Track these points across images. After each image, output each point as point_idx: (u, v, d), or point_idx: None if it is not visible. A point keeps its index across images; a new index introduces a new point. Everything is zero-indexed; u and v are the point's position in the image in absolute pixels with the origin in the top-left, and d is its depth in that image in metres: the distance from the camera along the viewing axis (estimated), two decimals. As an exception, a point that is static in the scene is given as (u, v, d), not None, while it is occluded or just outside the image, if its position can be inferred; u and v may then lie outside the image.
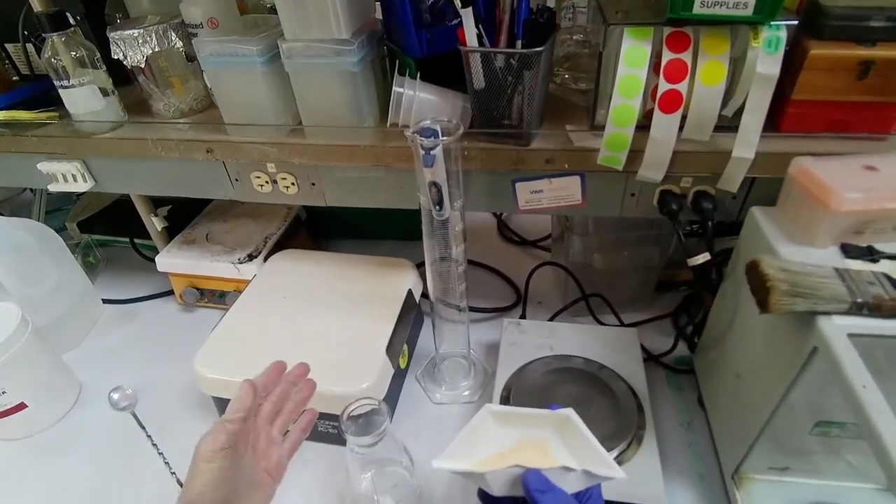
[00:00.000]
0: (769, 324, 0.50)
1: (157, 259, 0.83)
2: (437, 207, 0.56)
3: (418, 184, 0.55)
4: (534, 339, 0.70)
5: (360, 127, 0.62)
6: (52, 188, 0.73)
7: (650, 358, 0.72)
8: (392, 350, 0.64)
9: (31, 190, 1.13)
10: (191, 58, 0.69)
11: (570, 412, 0.45)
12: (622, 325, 0.77)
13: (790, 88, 0.54)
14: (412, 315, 0.73)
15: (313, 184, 0.67)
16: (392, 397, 0.66)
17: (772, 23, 0.49)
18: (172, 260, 0.82)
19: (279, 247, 0.84)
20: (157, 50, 0.65)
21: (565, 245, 0.78)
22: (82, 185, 0.72)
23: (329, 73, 0.59)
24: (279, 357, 0.63)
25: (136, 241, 0.96)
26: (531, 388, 0.62)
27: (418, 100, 0.59)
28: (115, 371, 0.78)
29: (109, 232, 1.00)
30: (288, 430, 0.52)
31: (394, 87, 0.58)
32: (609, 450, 0.55)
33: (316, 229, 0.98)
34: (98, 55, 0.66)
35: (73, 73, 0.64)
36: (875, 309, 0.42)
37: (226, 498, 0.43)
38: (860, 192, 0.47)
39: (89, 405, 0.74)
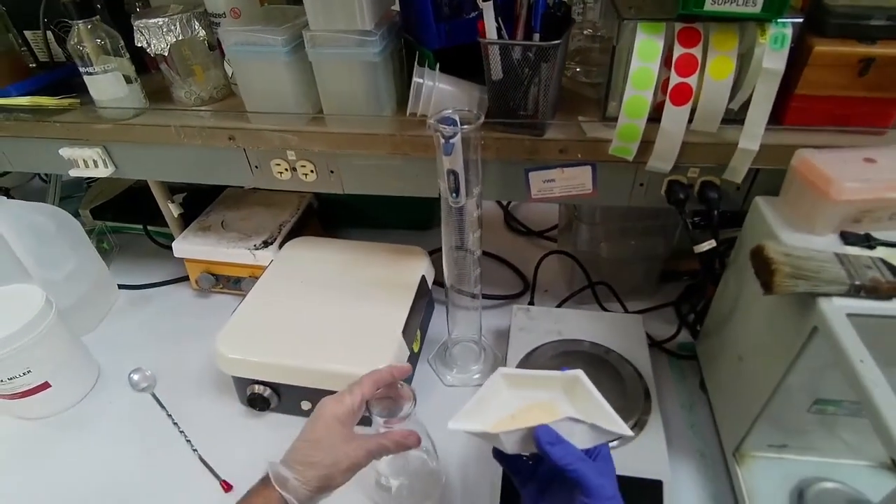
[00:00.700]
0: (771, 306, 0.52)
1: (174, 245, 0.84)
2: (454, 195, 0.58)
3: (438, 171, 0.57)
4: (542, 325, 0.72)
5: (379, 116, 0.64)
6: (73, 173, 0.75)
7: (654, 344, 0.75)
8: (407, 333, 0.66)
9: (42, 177, 1.14)
10: (212, 47, 0.71)
11: (579, 373, 0.47)
12: (626, 312, 0.80)
13: (794, 83, 0.56)
14: (425, 301, 0.75)
15: (332, 171, 0.69)
16: (406, 380, 0.69)
17: (778, 20, 0.51)
18: (189, 246, 0.84)
19: (293, 234, 0.86)
20: (180, 38, 0.67)
21: (573, 234, 0.80)
22: (103, 171, 0.74)
23: (351, 64, 0.61)
24: (298, 338, 0.65)
25: (149, 227, 0.98)
26: (542, 370, 0.64)
27: (437, 90, 0.61)
28: (132, 354, 0.79)
29: (122, 219, 1.02)
30: None
31: (414, 78, 0.60)
32: (618, 427, 0.58)
33: (327, 218, 1.00)
34: (122, 43, 0.67)
35: (96, 61, 0.66)
36: (872, 291, 0.44)
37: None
38: (859, 182, 0.49)
39: (109, 386, 0.75)
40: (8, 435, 0.70)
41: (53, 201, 1.01)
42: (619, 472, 0.55)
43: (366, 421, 0.50)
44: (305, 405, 0.66)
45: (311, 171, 0.69)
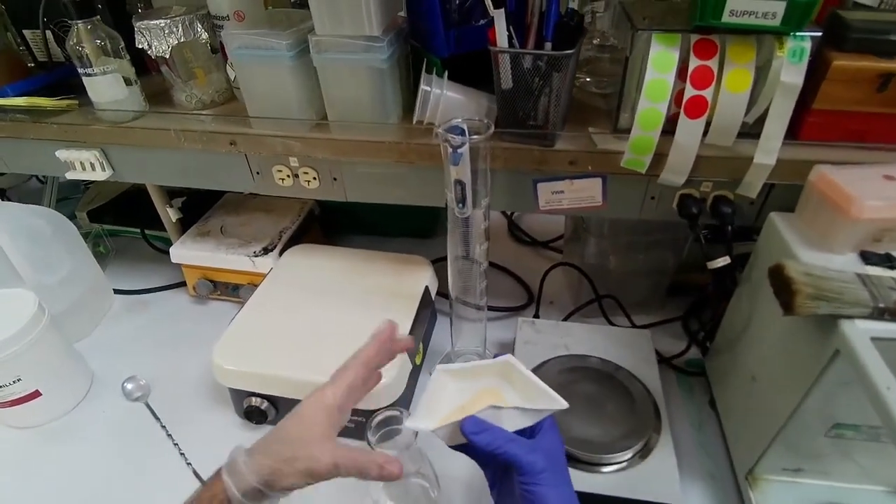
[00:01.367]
0: (788, 327, 0.51)
1: (171, 250, 0.82)
2: (460, 205, 0.57)
3: (445, 181, 0.55)
4: (549, 339, 0.71)
5: (385, 123, 0.63)
6: (70, 176, 0.73)
7: (661, 360, 0.73)
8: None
9: (39, 179, 1.12)
10: (215, 49, 0.69)
11: (508, 357, 0.47)
12: (634, 326, 0.78)
13: (811, 98, 0.55)
14: (428, 312, 0.73)
15: (335, 179, 0.68)
16: (408, 393, 0.67)
17: (797, 34, 0.50)
18: (187, 251, 0.82)
19: (293, 241, 0.84)
20: (182, 41, 0.65)
21: (580, 246, 0.79)
22: (100, 174, 0.72)
23: (357, 69, 0.59)
24: (298, 349, 0.64)
25: (146, 231, 0.96)
26: (549, 387, 0.62)
27: (445, 98, 0.59)
28: (127, 361, 0.77)
29: (119, 222, 1.00)
30: None
31: (421, 85, 0.59)
32: (626, 449, 0.57)
33: (328, 224, 0.98)
34: (122, 44, 0.66)
35: (96, 62, 0.64)
36: (896, 314, 0.43)
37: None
38: (880, 200, 0.48)
39: (102, 395, 0.73)
40: (-4, 444, 0.68)
41: (50, 203, 0.99)
42: (628, 495, 0.54)
43: (358, 435, 0.47)
44: (304, 419, 0.64)
45: (314, 179, 0.68)
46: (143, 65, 0.75)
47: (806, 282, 0.44)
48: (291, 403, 0.62)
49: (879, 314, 0.43)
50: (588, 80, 0.73)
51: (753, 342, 0.59)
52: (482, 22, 0.61)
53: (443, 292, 0.79)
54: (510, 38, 0.55)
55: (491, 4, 0.52)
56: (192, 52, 0.68)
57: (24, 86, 0.74)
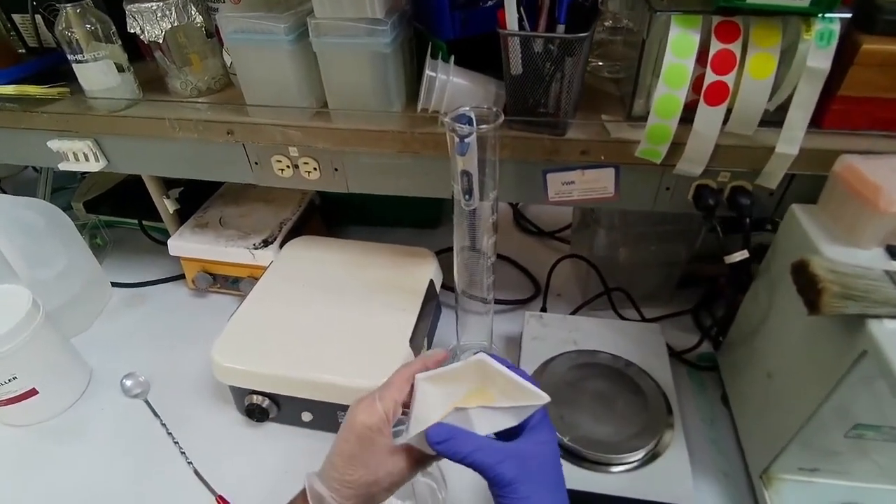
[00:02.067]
0: (811, 325, 0.49)
1: (169, 242, 0.80)
2: (467, 197, 0.54)
3: (452, 172, 0.53)
4: (557, 333, 0.69)
5: (388, 112, 0.60)
6: (63, 167, 0.71)
7: (672, 354, 0.71)
8: (415, 342, 0.63)
9: (35, 168, 1.10)
10: (210, 34, 0.66)
11: (481, 356, 0.41)
12: (643, 319, 0.76)
13: (836, 84, 0.52)
14: (433, 306, 0.71)
15: (336, 169, 0.65)
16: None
17: (826, 15, 0.47)
18: (185, 244, 0.80)
19: (294, 232, 0.82)
20: (175, 25, 0.62)
21: (589, 238, 0.76)
22: (94, 165, 0.70)
23: (359, 54, 0.56)
24: (299, 346, 0.62)
25: (144, 222, 0.94)
26: (558, 384, 0.61)
27: (451, 84, 0.57)
28: (126, 356, 0.76)
29: (117, 213, 0.98)
30: None
31: (426, 71, 0.56)
32: (637, 448, 0.55)
33: (329, 215, 0.96)
34: (113, 29, 0.63)
35: (87, 48, 0.62)
36: (928, 314, 0.41)
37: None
38: (911, 192, 0.45)
39: (101, 391, 0.72)
40: (-8, 442, 0.67)
41: (44, 195, 0.97)
42: (640, 496, 0.53)
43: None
44: (306, 416, 0.63)
45: (315, 169, 0.65)
46: (136, 50, 0.72)
47: (832, 280, 0.42)
48: (293, 401, 0.61)
49: (910, 314, 0.41)
50: (600, 64, 0.70)
51: (771, 338, 0.57)
52: (490, 3, 0.58)
53: (447, 285, 0.78)
54: (520, 20, 0.52)
55: (500, -16, 0.49)
56: (186, 37, 0.65)
57: (14, 73, 0.71)
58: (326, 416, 0.61)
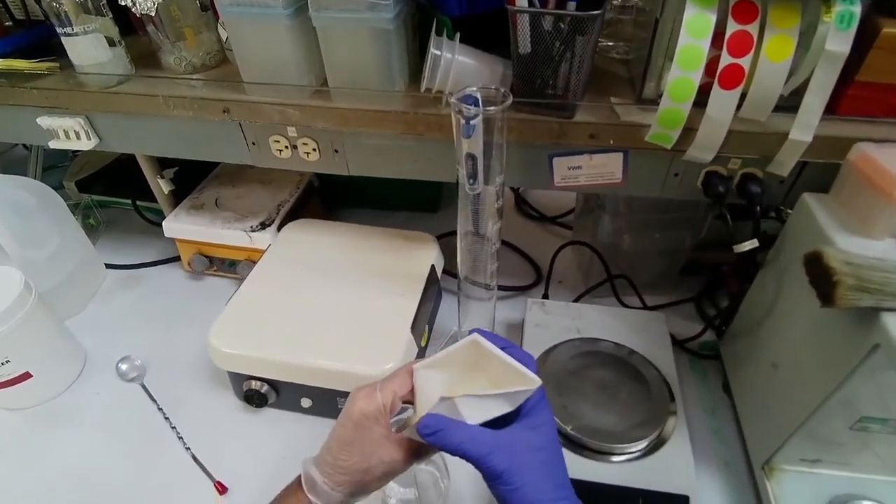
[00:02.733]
0: (820, 316, 0.48)
1: (164, 224, 0.79)
2: (471, 181, 0.53)
3: (457, 155, 0.51)
4: (559, 321, 0.68)
5: (390, 91, 0.58)
6: (53, 145, 0.68)
7: (674, 342, 0.71)
8: (416, 329, 0.62)
9: (25, 146, 1.07)
10: (205, 7, 0.64)
11: (475, 336, 0.40)
12: (646, 307, 0.75)
13: (854, 69, 0.50)
14: (434, 291, 0.70)
15: (336, 151, 0.63)
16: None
17: (848, -4, 0.45)
18: (180, 225, 0.78)
19: (292, 215, 0.81)
20: (168, -3, 0.60)
21: (592, 224, 0.75)
22: (86, 143, 0.67)
23: (360, 30, 0.54)
24: (299, 332, 0.61)
25: (138, 203, 0.92)
26: (561, 372, 0.60)
27: (456, 63, 0.55)
28: (122, 339, 0.75)
29: (110, 192, 0.96)
30: None
31: (431, 49, 0.54)
32: (641, 438, 0.55)
33: (328, 197, 0.94)
34: (104, 0, 0.60)
35: (76, 20, 0.59)
36: (944, 308, 0.40)
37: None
38: (928, 182, 0.44)
39: (96, 375, 0.71)
40: (-14, 426, 0.66)
41: (35, 173, 0.94)
42: (642, 485, 0.53)
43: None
44: (306, 402, 0.62)
45: (314, 150, 0.64)
46: (128, 24, 0.69)
47: (847, 272, 0.41)
48: (293, 387, 0.60)
49: (925, 307, 0.40)
50: (608, 44, 0.67)
51: (777, 328, 0.56)
52: (498, -22, 0.56)
53: (449, 270, 0.76)
54: (530, -4, 0.50)
55: (509, -42, 0.47)
56: (179, 10, 0.62)
57: (0, 46, 0.68)
58: (326, 402, 0.61)
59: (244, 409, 0.65)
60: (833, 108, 0.52)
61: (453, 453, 0.37)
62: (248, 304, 0.65)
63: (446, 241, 0.78)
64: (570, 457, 0.54)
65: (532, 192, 1.00)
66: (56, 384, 0.68)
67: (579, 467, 0.54)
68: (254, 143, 0.65)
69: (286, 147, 0.64)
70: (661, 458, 0.54)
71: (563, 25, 0.50)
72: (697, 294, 0.79)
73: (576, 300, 0.75)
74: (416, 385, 0.41)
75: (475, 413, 0.38)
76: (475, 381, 0.39)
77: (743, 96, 0.50)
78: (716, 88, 0.50)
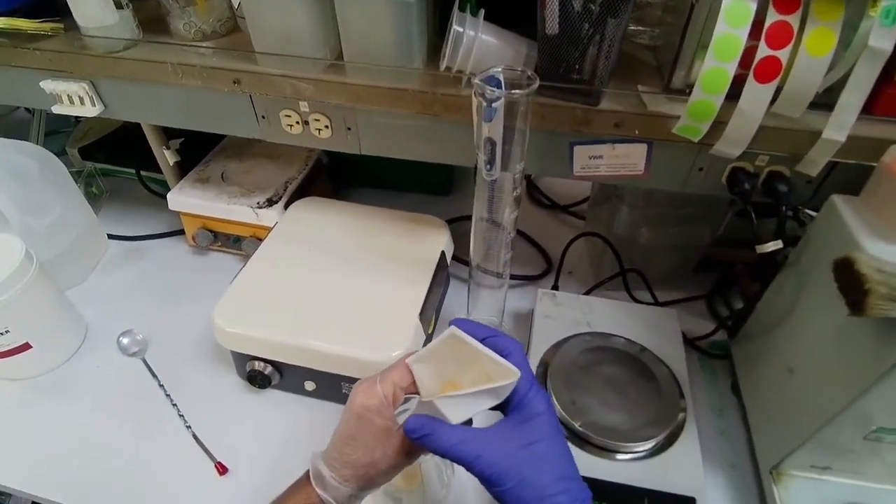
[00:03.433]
0: (844, 323, 0.46)
1: (168, 196, 0.77)
2: (488, 167, 0.51)
3: (475, 139, 0.49)
4: (569, 314, 0.67)
5: (409, 68, 0.56)
6: (56, 110, 0.66)
7: (685, 340, 0.69)
8: (425, 315, 0.60)
9: (27, 109, 1.05)
10: (217, -29, 0.61)
11: (452, 329, 0.38)
12: (657, 303, 0.74)
13: (894, 67, 0.48)
14: (443, 278, 0.69)
15: (349, 129, 0.61)
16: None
17: (897, -11, 0.43)
18: (185, 199, 0.76)
19: (300, 193, 0.79)
20: (179, -42, 0.57)
21: (607, 215, 0.73)
22: (90, 110, 0.65)
23: (380, 2, 0.51)
24: (304, 314, 0.59)
25: (142, 173, 0.90)
26: (570, 367, 0.59)
27: (479, 42, 0.52)
28: (124, 312, 0.74)
29: (114, 161, 0.93)
30: None
31: (453, 26, 0.51)
32: (649, 438, 0.54)
33: (336, 175, 0.92)
34: (111, -41, 0.58)
35: (81, -22, 0.56)
36: (978, 322, 0.38)
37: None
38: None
39: (96, 348, 0.70)
40: (-15, 395, 0.65)
41: (37, 139, 0.92)
42: (648, 486, 0.52)
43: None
44: (309, 385, 0.61)
45: (326, 127, 0.61)
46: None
47: (880, 280, 0.39)
48: (297, 370, 0.59)
49: (959, 320, 0.38)
50: (637, 29, 0.65)
51: (795, 332, 0.55)
52: (527, -47, 0.53)
53: (457, 255, 0.75)
54: (561, -26, 0.47)
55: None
56: (190, -27, 0.60)
57: (3, 4, 0.65)
58: (330, 386, 0.60)
59: (247, 389, 0.64)
60: (869, 108, 0.50)
61: (443, 456, 0.36)
62: (254, 283, 0.63)
63: (456, 226, 0.76)
64: (576, 453, 0.53)
65: (544, 180, 0.98)
66: (56, 355, 0.67)
67: (585, 464, 0.53)
68: (264, 117, 0.63)
69: (297, 122, 0.62)
70: (669, 459, 0.53)
71: (593, 6, 0.48)
72: (709, 291, 0.77)
73: (586, 293, 0.74)
74: (416, 378, 0.40)
75: (459, 411, 0.37)
76: (470, 372, 0.38)
77: (777, 91, 0.48)
78: (750, 81, 0.47)
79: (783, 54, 0.46)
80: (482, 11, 0.53)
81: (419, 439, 0.36)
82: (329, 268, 0.65)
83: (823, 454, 0.52)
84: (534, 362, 0.61)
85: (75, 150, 0.93)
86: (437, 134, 0.59)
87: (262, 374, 0.60)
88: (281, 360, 0.59)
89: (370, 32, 0.54)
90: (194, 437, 0.59)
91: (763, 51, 0.46)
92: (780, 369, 0.56)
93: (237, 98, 0.61)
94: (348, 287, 0.63)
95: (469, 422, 0.38)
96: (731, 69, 0.47)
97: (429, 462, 0.50)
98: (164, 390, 0.63)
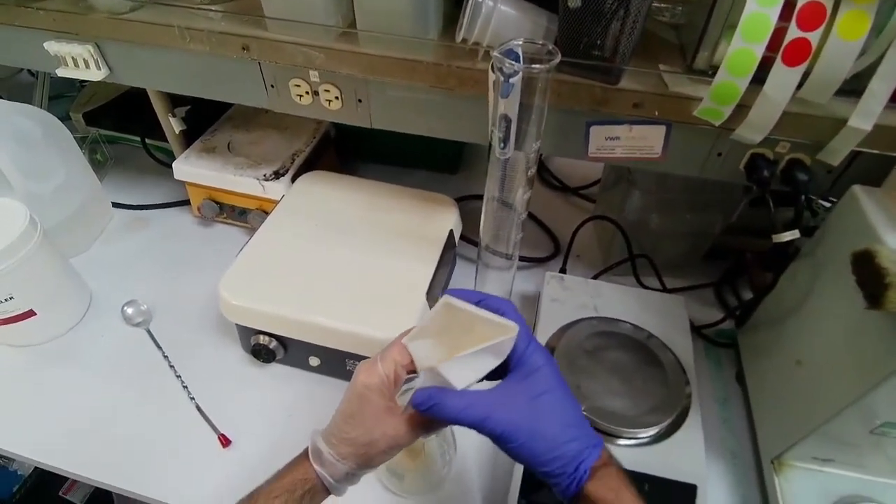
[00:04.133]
0: (860, 317, 0.45)
1: (174, 166, 0.76)
2: (502, 145, 0.50)
3: (490, 115, 0.48)
4: (577, 298, 0.66)
5: (424, 39, 0.54)
6: (61, 73, 0.65)
7: (691, 328, 0.69)
8: (431, 295, 0.60)
9: (31, 72, 1.03)
10: (227, -69, 0.59)
11: (445, 297, 0.38)
12: (665, 290, 0.73)
13: (928, 54, 0.46)
14: (450, 257, 0.68)
15: (360, 101, 0.60)
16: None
17: (936, -29, 0.41)
18: (191, 168, 0.75)
19: (307, 166, 0.77)
20: (188, -84, 0.55)
21: (619, 199, 0.72)
22: (95, 73, 0.64)
23: (397, -33, 0.50)
24: (310, 288, 0.59)
25: (147, 140, 0.88)
26: (576, 351, 0.58)
27: (498, 13, 0.50)
28: (127, 282, 0.73)
29: (118, 127, 0.92)
30: None
31: (472, -5, 0.49)
32: (654, 424, 0.54)
33: (343, 149, 0.90)
34: (117, -85, 0.55)
35: (86, -66, 0.54)
36: None
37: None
38: None
39: (100, 317, 0.69)
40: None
41: (41, 102, 0.90)
42: (650, 472, 0.52)
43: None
44: (314, 361, 0.61)
45: (336, 98, 0.60)
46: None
47: (902, 273, 0.39)
48: (301, 345, 0.59)
49: (980, 317, 0.38)
50: (658, 5, 0.62)
51: (806, 324, 0.54)
52: (550, -79, 0.51)
53: (464, 235, 0.74)
54: (587, -57, 0.45)
55: None
56: (199, -67, 0.57)
57: (5, -40, 0.63)
58: (334, 362, 0.59)
59: (251, 362, 0.64)
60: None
61: (453, 423, 0.36)
62: (260, 256, 0.63)
63: (461, 204, 0.75)
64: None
65: (555, 160, 0.96)
66: (60, 323, 0.67)
67: (588, 447, 0.53)
68: (272, 86, 0.61)
69: (307, 93, 0.60)
70: (672, 446, 0.53)
71: (619, -20, 0.46)
72: (718, 279, 0.76)
73: (594, 277, 0.73)
74: (414, 358, 0.39)
75: (463, 375, 0.37)
76: (469, 338, 0.38)
77: (804, 75, 0.46)
78: (778, 64, 0.46)
79: (814, 37, 0.44)
80: (502, -19, 0.51)
81: (427, 410, 0.36)
82: (336, 243, 0.64)
83: (827, 446, 0.52)
84: (539, 345, 0.60)
85: (80, 115, 0.91)
86: (450, 109, 0.58)
87: (267, 349, 0.60)
88: (285, 335, 0.59)
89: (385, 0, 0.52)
90: (198, 408, 0.59)
91: (793, 32, 0.44)
92: (788, 360, 0.55)
93: (246, 65, 0.60)
94: (355, 263, 0.62)
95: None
96: (760, 51, 0.45)
97: (432, 440, 0.50)
98: (168, 361, 0.63)
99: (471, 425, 0.36)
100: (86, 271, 0.72)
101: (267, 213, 0.70)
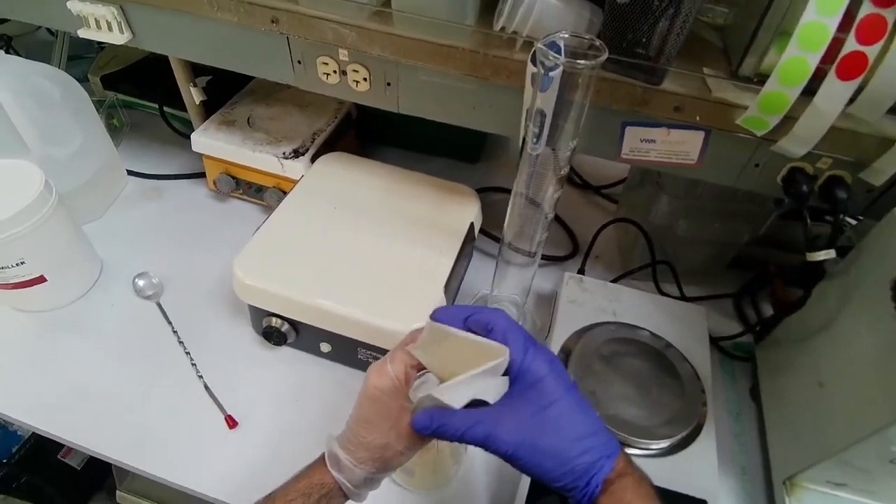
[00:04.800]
0: (892, 344, 0.44)
1: (192, 137, 0.74)
2: (535, 140, 0.48)
3: (525, 108, 0.46)
4: (595, 301, 0.65)
5: (461, 24, 0.52)
6: (82, 34, 0.63)
7: (710, 339, 0.68)
8: (449, 288, 0.59)
9: (50, 31, 1.00)
10: None
11: (427, 322, 0.38)
12: (683, 298, 0.72)
13: None
14: (469, 250, 0.67)
15: (388, 84, 0.58)
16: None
17: None
18: (209, 141, 0.73)
19: (327, 146, 0.76)
20: None
21: (644, 202, 0.70)
22: (118, 37, 0.62)
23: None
24: (326, 273, 0.58)
25: (165, 109, 0.87)
26: (593, 356, 0.57)
27: (541, 3, 0.48)
28: (139, 252, 0.72)
29: (137, 93, 0.90)
30: None
31: (515, -18, 0.47)
32: (667, 436, 0.53)
33: (363, 131, 0.88)
34: None
35: None
36: None
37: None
38: None
39: (111, 286, 0.69)
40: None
41: (59, 63, 0.88)
42: (660, 484, 0.51)
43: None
44: (325, 347, 0.60)
45: (364, 80, 0.58)
46: None
47: (947, 304, 0.37)
48: (313, 330, 0.58)
49: None
50: (705, 6, 0.60)
51: (832, 346, 0.53)
52: None
53: (483, 228, 0.72)
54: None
55: None
56: None
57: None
58: (346, 350, 0.59)
59: (262, 344, 0.63)
60: (949, 119, 0.47)
61: (454, 440, 0.36)
62: (276, 237, 0.61)
63: (481, 196, 0.74)
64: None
65: (578, 157, 0.93)
66: (70, 291, 0.66)
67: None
68: (299, 62, 0.59)
69: (334, 72, 0.58)
70: (685, 459, 0.52)
71: (673, -24, 0.43)
72: (738, 291, 0.75)
73: (614, 280, 0.72)
74: (422, 362, 0.39)
75: (459, 397, 0.35)
76: (460, 361, 0.37)
77: (857, 91, 0.44)
78: (831, 76, 0.44)
79: (871, 51, 0.42)
80: (548, -31, 0.48)
81: (432, 433, 0.36)
82: (355, 228, 0.63)
83: (842, 471, 0.51)
84: (555, 348, 0.59)
85: (97, 78, 0.90)
86: (482, 99, 0.56)
87: (279, 332, 0.59)
88: (298, 319, 0.58)
89: (423, -20, 0.50)
90: (206, 387, 0.58)
91: (850, 45, 0.42)
92: (809, 381, 0.54)
93: (274, 39, 0.58)
94: (373, 250, 0.61)
95: (480, 402, 0.37)
96: (814, 61, 0.43)
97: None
98: (178, 337, 0.62)
99: (475, 444, 0.35)
100: (98, 239, 0.71)
101: (284, 192, 0.68)
